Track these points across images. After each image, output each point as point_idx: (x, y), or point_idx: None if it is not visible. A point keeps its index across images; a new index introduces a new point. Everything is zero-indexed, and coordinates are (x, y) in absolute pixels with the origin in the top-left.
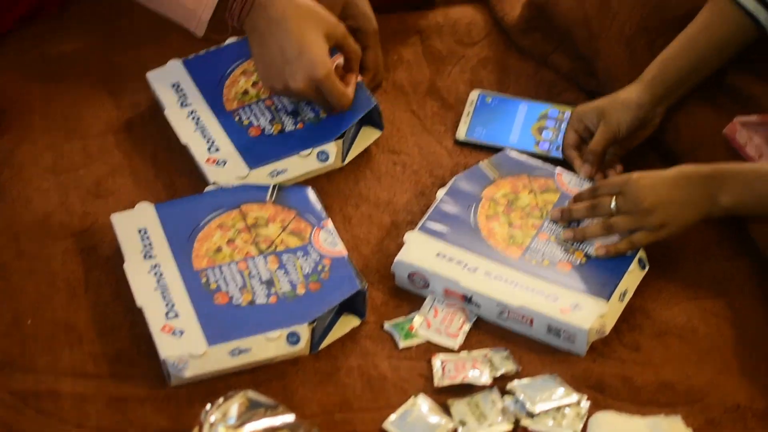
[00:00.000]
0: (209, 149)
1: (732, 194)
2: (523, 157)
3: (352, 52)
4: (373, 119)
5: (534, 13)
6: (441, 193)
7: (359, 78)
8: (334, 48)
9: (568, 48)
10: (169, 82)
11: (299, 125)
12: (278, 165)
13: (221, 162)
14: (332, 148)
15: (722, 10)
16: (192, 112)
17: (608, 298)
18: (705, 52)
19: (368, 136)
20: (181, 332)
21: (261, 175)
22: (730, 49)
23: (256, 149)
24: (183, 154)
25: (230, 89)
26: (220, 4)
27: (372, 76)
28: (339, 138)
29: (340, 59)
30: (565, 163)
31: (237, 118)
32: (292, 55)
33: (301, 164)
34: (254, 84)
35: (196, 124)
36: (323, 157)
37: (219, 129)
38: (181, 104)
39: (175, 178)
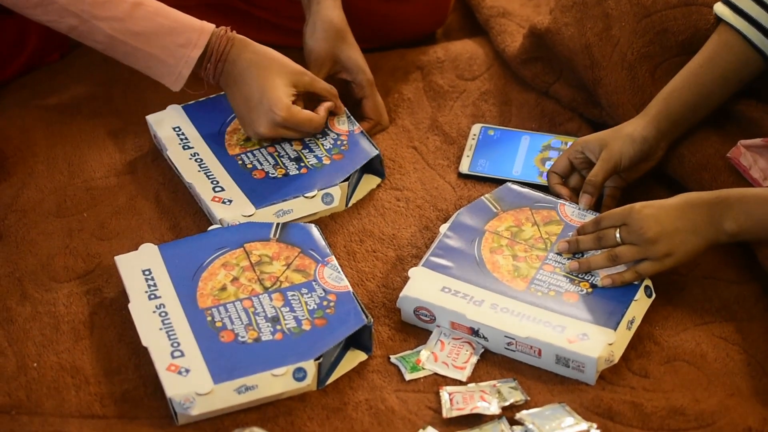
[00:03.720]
0: (214, 189)
1: (737, 220)
2: (525, 190)
3: (325, 91)
4: (375, 167)
5: (535, 43)
6: (444, 228)
7: (360, 128)
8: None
9: (569, 77)
10: (170, 126)
11: (303, 170)
12: (284, 205)
13: (227, 201)
14: (337, 191)
15: (727, 43)
16: (194, 154)
17: (615, 327)
18: (710, 86)
19: (370, 183)
20: (187, 371)
21: (267, 215)
22: (735, 81)
23: (261, 190)
24: (186, 195)
25: (232, 135)
26: (197, 62)
27: (374, 124)
28: (344, 181)
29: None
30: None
31: (240, 162)
32: (254, 103)
33: (306, 205)
34: None
35: (199, 165)
36: (328, 199)
37: (222, 171)
38: (183, 147)
39: (179, 218)
